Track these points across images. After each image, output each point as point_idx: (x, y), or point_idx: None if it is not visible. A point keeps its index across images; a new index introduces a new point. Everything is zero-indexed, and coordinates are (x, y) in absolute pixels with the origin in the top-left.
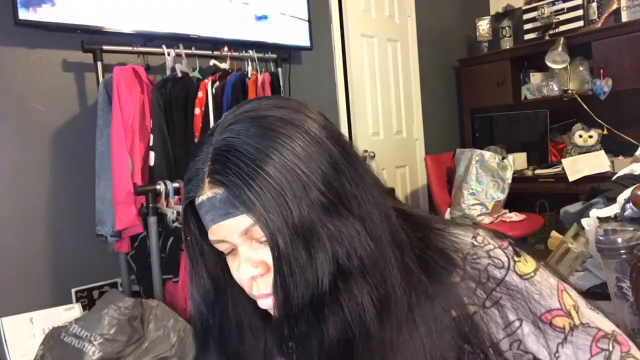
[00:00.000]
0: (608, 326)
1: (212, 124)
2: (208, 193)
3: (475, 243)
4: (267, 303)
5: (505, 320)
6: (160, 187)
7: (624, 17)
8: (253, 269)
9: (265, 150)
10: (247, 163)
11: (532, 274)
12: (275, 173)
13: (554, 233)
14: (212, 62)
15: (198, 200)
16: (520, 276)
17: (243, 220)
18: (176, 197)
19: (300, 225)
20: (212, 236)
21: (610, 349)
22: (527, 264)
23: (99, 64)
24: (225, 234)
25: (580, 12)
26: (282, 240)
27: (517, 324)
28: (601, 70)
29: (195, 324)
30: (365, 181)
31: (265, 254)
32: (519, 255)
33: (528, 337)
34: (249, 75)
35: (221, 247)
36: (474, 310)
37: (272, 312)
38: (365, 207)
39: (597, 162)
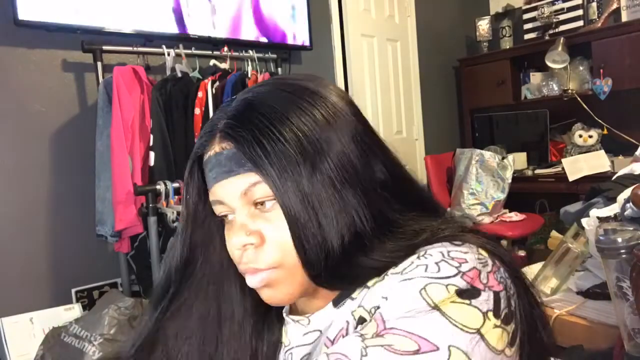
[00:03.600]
0: None
1: None
2: (216, 148)
3: (450, 248)
4: (255, 280)
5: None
6: (160, 187)
7: (624, 17)
8: (246, 237)
9: (283, 112)
10: (262, 121)
11: (443, 317)
12: (290, 136)
13: (554, 233)
14: (212, 62)
15: (206, 156)
16: (428, 302)
17: (245, 179)
18: (176, 197)
19: (309, 192)
20: (212, 196)
21: None
22: (462, 310)
23: (99, 64)
24: (225, 193)
25: (580, 12)
26: (290, 202)
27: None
28: (601, 70)
29: (159, 282)
30: (384, 161)
31: (263, 225)
32: (465, 297)
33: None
34: (249, 75)
35: (218, 210)
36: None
37: (260, 292)
38: (373, 192)
39: (597, 162)
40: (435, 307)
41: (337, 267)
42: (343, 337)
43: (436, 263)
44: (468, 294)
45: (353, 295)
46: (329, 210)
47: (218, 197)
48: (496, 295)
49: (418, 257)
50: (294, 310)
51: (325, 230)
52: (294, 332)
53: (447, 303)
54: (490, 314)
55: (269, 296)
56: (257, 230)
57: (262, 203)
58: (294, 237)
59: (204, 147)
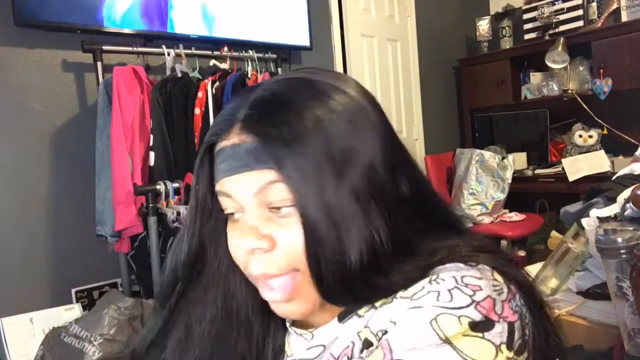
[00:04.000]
0: None
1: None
2: (234, 139)
3: (462, 275)
4: (274, 295)
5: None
6: (160, 187)
7: (624, 17)
8: (256, 240)
9: (313, 112)
10: (290, 118)
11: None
12: (319, 139)
13: (554, 233)
14: (212, 62)
15: (220, 146)
16: (438, 335)
17: (262, 176)
18: (176, 197)
19: (332, 202)
20: (219, 187)
21: None
22: (472, 344)
23: (99, 64)
24: (236, 190)
25: (580, 12)
26: (310, 210)
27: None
28: (601, 70)
29: (165, 278)
30: (409, 176)
31: (276, 230)
32: (478, 330)
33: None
34: (249, 76)
35: (225, 204)
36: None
37: (276, 306)
38: (396, 209)
39: (597, 162)
40: (447, 341)
41: (352, 284)
42: (348, 357)
43: (449, 290)
44: (481, 326)
45: (360, 312)
46: (351, 224)
47: (228, 190)
48: (510, 326)
49: (430, 282)
50: (296, 321)
51: (345, 246)
52: (296, 345)
53: (459, 337)
54: (504, 347)
55: (286, 310)
56: (268, 234)
57: (277, 208)
58: (308, 248)
59: (218, 135)
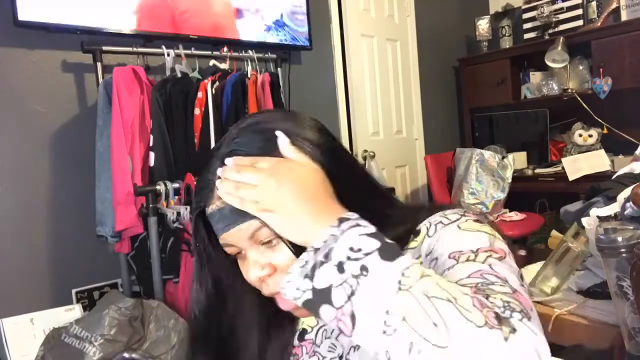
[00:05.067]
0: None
1: (212, 124)
2: (217, 203)
3: (444, 215)
4: (289, 305)
5: (429, 258)
6: (160, 187)
7: (624, 16)
8: (260, 270)
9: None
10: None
11: (474, 230)
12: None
13: (554, 232)
14: (212, 62)
15: (209, 210)
16: (459, 226)
17: (249, 226)
18: (176, 197)
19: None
20: (222, 241)
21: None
22: (475, 224)
23: (99, 64)
24: (234, 239)
25: (579, 11)
26: (291, 241)
27: (434, 262)
28: (601, 69)
29: (194, 326)
30: (361, 188)
31: (271, 256)
32: (478, 221)
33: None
34: (249, 76)
35: (230, 250)
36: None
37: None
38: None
39: (597, 161)
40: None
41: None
42: None
43: (440, 221)
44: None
45: None
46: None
47: (229, 242)
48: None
49: (426, 228)
50: None
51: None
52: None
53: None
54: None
55: (300, 313)
56: (267, 263)
57: (269, 241)
58: None
59: (204, 201)
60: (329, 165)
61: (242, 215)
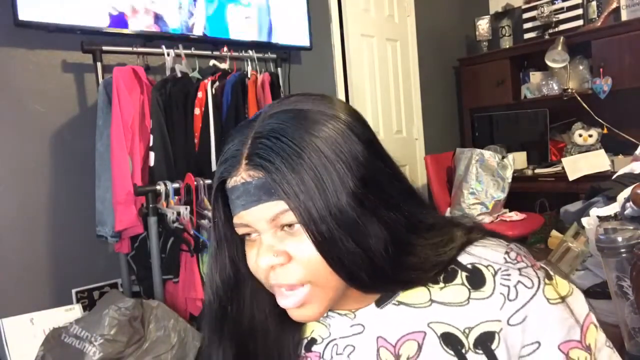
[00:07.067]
0: None
1: (212, 124)
2: (243, 175)
3: (508, 259)
4: (289, 301)
5: (525, 340)
6: (160, 187)
7: (624, 16)
8: (274, 257)
9: (310, 140)
10: (291, 150)
11: (560, 300)
12: (318, 164)
13: (554, 232)
14: (212, 62)
15: (231, 183)
16: (548, 299)
17: (274, 206)
18: (176, 197)
19: (339, 217)
20: (237, 219)
21: None
22: (557, 288)
23: (99, 64)
24: (252, 219)
25: (579, 11)
26: (318, 228)
27: (535, 346)
28: (601, 69)
29: (211, 308)
30: (397, 185)
31: (289, 243)
32: (550, 278)
33: None
34: (249, 76)
35: (242, 231)
36: (500, 327)
37: (291, 312)
38: (392, 213)
39: (597, 161)
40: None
41: (385, 272)
42: (419, 344)
43: (515, 286)
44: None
45: (406, 301)
46: (362, 228)
47: (245, 221)
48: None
49: (494, 278)
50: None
51: (363, 246)
52: (339, 325)
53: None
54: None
55: (300, 315)
56: (283, 250)
57: (290, 225)
58: (327, 260)
59: (228, 172)
60: (369, 158)
61: (270, 194)
